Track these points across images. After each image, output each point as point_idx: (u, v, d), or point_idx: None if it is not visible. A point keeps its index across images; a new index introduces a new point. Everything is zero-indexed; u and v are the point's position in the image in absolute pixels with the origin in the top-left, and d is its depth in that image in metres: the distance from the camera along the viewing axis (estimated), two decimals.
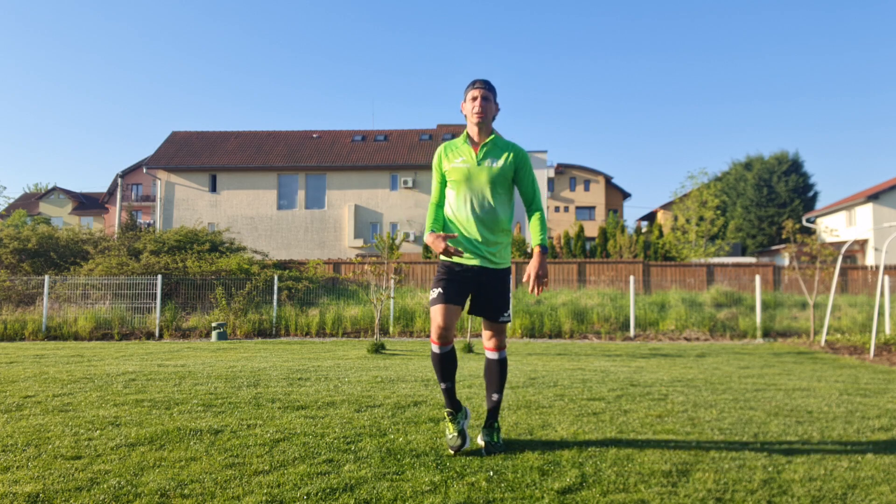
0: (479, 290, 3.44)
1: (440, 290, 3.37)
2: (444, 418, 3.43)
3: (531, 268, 3.28)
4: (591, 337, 14.05)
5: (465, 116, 3.47)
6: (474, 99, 3.36)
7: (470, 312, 3.53)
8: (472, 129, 3.42)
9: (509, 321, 3.52)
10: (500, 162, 3.39)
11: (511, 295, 15.36)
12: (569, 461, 3.25)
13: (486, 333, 3.49)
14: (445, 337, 3.35)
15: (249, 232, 30.80)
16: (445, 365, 3.42)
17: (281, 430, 3.90)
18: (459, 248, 3.33)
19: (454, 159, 3.42)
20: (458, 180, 3.40)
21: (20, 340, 13.32)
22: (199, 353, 9.97)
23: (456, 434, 3.37)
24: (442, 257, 3.47)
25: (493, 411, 3.48)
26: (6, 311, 14.83)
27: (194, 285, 16.02)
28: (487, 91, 3.36)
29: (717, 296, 16.46)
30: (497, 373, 3.46)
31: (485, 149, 3.39)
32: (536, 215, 3.45)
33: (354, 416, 4.32)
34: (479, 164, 3.37)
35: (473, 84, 3.39)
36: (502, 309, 3.45)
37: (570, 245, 26.67)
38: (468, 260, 3.41)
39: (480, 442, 3.47)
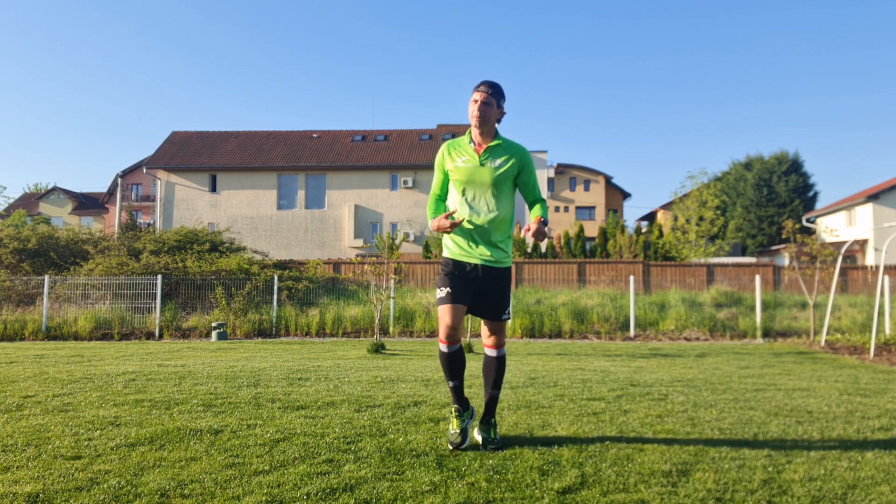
0: (480, 289, 3.48)
1: (448, 289, 3.42)
2: (451, 414, 3.54)
3: (535, 224, 3.23)
4: (591, 337, 14.05)
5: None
6: (475, 102, 3.37)
7: (471, 312, 3.56)
8: (474, 131, 3.44)
9: (509, 319, 3.62)
10: (503, 163, 3.41)
11: (511, 294, 15.32)
12: (569, 461, 3.25)
13: (485, 331, 3.54)
14: (454, 336, 3.43)
15: (249, 232, 30.80)
16: (454, 364, 3.50)
17: (281, 430, 3.90)
18: (459, 221, 3.30)
19: (457, 158, 3.45)
20: (461, 180, 3.44)
21: (20, 340, 13.32)
22: (199, 353, 9.97)
23: (458, 431, 3.45)
24: (444, 255, 3.53)
25: (491, 407, 3.54)
26: (6, 311, 14.83)
27: (194, 285, 16.02)
28: (490, 95, 3.36)
29: (717, 296, 16.46)
30: (495, 370, 3.51)
31: (488, 150, 3.42)
32: (539, 203, 3.47)
33: (354, 416, 4.32)
34: (481, 165, 3.40)
35: (478, 86, 3.39)
36: (503, 308, 3.51)
37: (570, 245, 26.66)
38: (470, 259, 3.45)
39: (478, 437, 3.53)
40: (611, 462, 3.25)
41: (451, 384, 3.54)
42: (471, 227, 3.43)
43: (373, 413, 4.44)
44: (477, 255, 3.44)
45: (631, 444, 3.64)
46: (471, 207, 3.42)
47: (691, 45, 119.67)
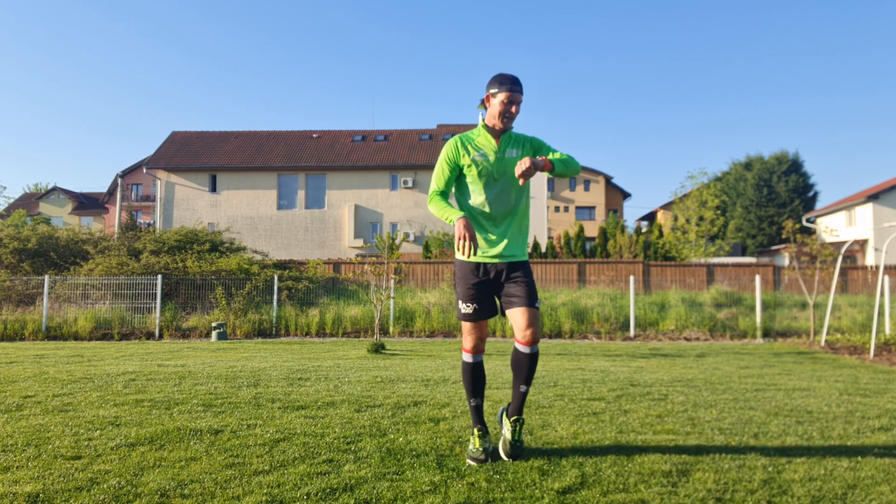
0: (507, 282, 3.33)
1: (475, 306, 3.33)
2: (473, 434, 3.35)
3: (532, 158, 3.15)
4: (591, 337, 14.05)
5: (489, 110, 3.34)
6: (510, 103, 3.26)
7: (504, 311, 3.37)
8: (496, 128, 3.34)
9: (538, 307, 3.38)
10: (519, 153, 3.36)
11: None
12: (569, 461, 3.24)
13: (521, 324, 3.23)
14: (480, 346, 3.41)
15: (249, 232, 30.80)
16: (477, 377, 3.41)
17: (281, 430, 3.90)
18: (472, 251, 3.19)
19: (475, 152, 3.32)
20: (483, 173, 3.31)
21: (20, 340, 13.31)
22: (199, 353, 9.97)
23: (481, 450, 3.28)
24: (460, 257, 3.38)
25: (520, 401, 3.33)
26: (6, 311, 14.83)
27: (194, 285, 16.02)
28: (522, 96, 3.29)
29: (717, 296, 16.45)
30: (528, 366, 3.28)
31: (505, 140, 3.36)
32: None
33: (354, 416, 4.32)
34: (504, 157, 3.32)
35: (511, 87, 3.24)
36: (534, 294, 3.31)
37: (570, 245, 26.66)
38: (491, 259, 3.33)
39: (506, 434, 3.32)
40: (611, 462, 3.24)
41: (472, 402, 3.41)
42: (495, 221, 3.33)
43: (373, 413, 4.44)
44: (498, 252, 3.32)
45: (631, 444, 3.63)
46: (493, 201, 3.32)
47: (691, 45, 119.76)
